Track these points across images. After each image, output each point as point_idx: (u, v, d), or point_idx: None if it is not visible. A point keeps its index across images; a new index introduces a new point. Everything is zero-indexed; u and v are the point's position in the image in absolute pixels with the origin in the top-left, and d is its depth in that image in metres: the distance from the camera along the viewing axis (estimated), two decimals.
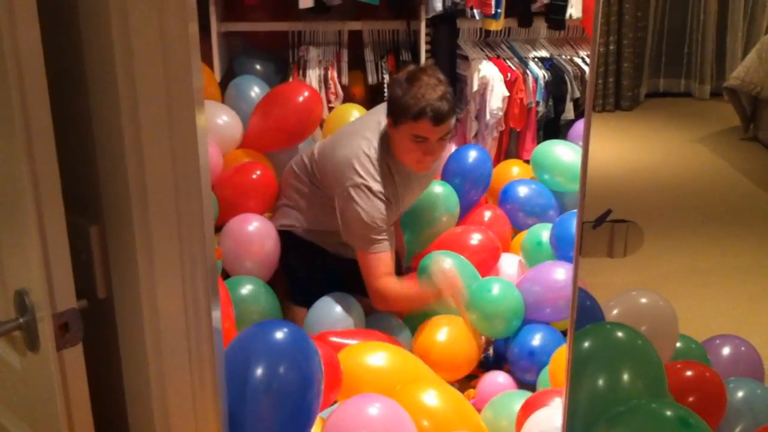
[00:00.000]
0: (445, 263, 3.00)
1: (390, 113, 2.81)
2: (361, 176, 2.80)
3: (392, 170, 2.88)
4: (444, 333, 2.89)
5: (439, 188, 3.48)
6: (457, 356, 2.89)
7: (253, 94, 3.89)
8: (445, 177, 3.67)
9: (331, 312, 2.89)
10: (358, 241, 2.85)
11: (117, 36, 1.37)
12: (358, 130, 2.95)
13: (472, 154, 3.75)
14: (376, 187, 2.80)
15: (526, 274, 3.15)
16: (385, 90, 4.15)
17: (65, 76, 1.46)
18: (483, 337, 3.02)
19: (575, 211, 3.31)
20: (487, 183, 3.75)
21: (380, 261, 2.83)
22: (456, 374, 2.89)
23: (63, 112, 1.41)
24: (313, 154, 3.07)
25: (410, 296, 2.94)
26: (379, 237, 2.81)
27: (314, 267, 3.13)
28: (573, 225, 3.11)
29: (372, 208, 2.79)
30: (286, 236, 3.12)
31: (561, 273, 3.01)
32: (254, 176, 3.34)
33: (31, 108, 1.28)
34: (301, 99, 3.57)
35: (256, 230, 3.10)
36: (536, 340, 2.94)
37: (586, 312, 2.28)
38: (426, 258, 3.11)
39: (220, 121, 3.56)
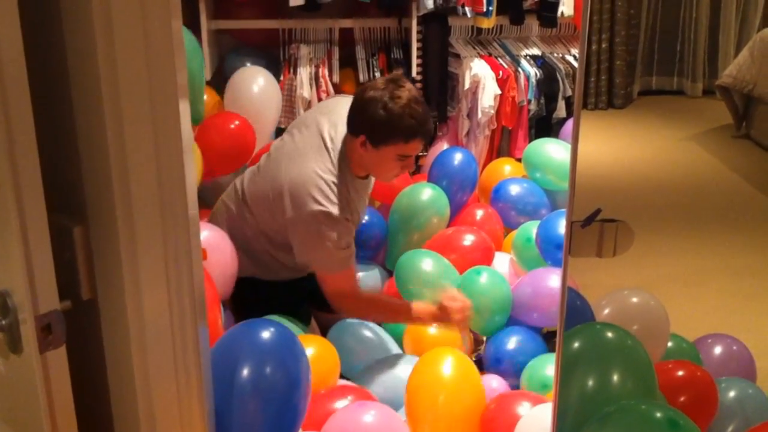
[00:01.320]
0: (454, 293, 2.81)
1: (368, 134, 2.61)
2: (318, 203, 2.61)
3: (349, 188, 2.72)
4: (434, 328, 2.87)
5: (428, 190, 3.46)
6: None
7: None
8: (432, 179, 3.67)
9: None
10: (321, 265, 2.72)
11: (100, 34, 1.36)
12: (301, 151, 2.74)
13: (458, 157, 3.75)
14: (336, 212, 2.62)
15: (520, 279, 3.11)
16: None
17: (47, 74, 1.45)
18: (472, 336, 3.02)
19: (561, 210, 3.34)
20: (474, 185, 3.75)
21: (347, 278, 2.73)
22: None
23: (45, 111, 1.40)
24: (243, 184, 2.90)
25: (386, 311, 2.85)
26: (348, 257, 2.70)
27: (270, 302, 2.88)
28: (558, 225, 3.12)
29: (335, 234, 2.63)
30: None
31: (555, 280, 2.98)
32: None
33: (12, 106, 1.26)
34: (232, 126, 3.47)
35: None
36: (511, 343, 2.93)
37: (576, 312, 2.27)
38: (405, 257, 3.08)
39: None
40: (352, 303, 2.76)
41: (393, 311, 2.83)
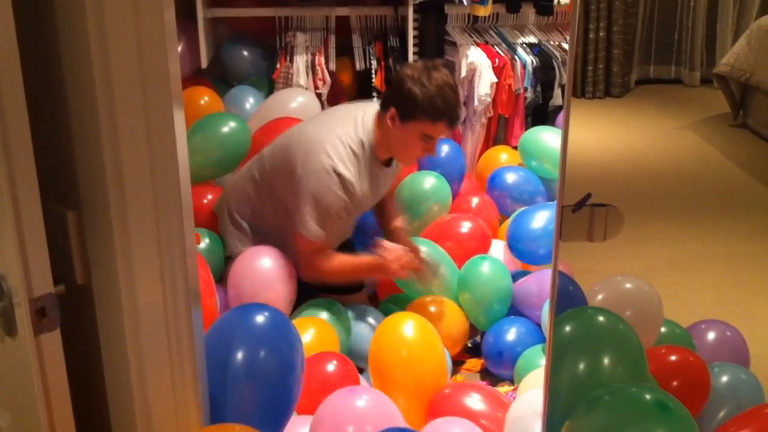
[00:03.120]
0: (385, 245, 2.85)
1: (399, 108, 2.72)
2: (331, 158, 2.69)
3: (367, 168, 2.79)
4: (433, 310, 2.91)
5: (431, 179, 3.46)
6: (445, 335, 2.84)
7: (248, 105, 3.90)
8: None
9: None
10: (307, 224, 2.72)
11: (92, 23, 1.37)
12: (330, 119, 2.87)
13: (444, 149, 3.77)
14: (346, 173, 2.70)
15: (526, 277, 3.12)
16: (373, 77, 4.14)
17: (40, 63, 1.45)
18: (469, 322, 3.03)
19: (529, 207, 3.36)
20: (462, 176, 3.77)
21: (326, 247, 2.78)
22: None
23: (38, 98, 1.40)
24: (263, 154, 2.98)
25: (351, 269, 2.87)
26: (334, 224, 2.73)
27: None
28: (527, 223, 3.18)
29: (335, 195, 2.69)
30: None
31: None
32: None
33: (5, 93, 1.27)
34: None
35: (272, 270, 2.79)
36: (511, 335, 2.94)
37: (568, 298, 2.29)
38: None
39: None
40: (317, 266, 2.79)
41: (357, 273, 2.93)
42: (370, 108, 2.87)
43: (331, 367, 2.37)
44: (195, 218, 2.95)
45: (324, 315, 2.74)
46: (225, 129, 3.31)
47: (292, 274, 2.79)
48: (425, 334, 2.49)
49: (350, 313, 2.86)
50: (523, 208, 3.41)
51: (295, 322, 2.59)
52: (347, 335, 2.78)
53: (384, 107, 2.79)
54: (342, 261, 2.82)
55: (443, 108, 2.69)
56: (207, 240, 2.94)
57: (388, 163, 2.90)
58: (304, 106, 3.77)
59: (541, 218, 3.18)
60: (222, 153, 3.29)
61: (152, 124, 1.46)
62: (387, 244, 2.83)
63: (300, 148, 2.76)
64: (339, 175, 2.69)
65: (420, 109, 2.70)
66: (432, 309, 2.91)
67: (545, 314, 2.85)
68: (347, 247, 3.00)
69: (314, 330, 2.54)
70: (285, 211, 2.83)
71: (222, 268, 2.98)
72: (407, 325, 2.47)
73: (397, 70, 4.13)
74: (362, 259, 2.85)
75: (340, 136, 2.74)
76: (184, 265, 1.57)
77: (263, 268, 2.75)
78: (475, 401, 2.32)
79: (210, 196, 3.24)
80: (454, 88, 2.75)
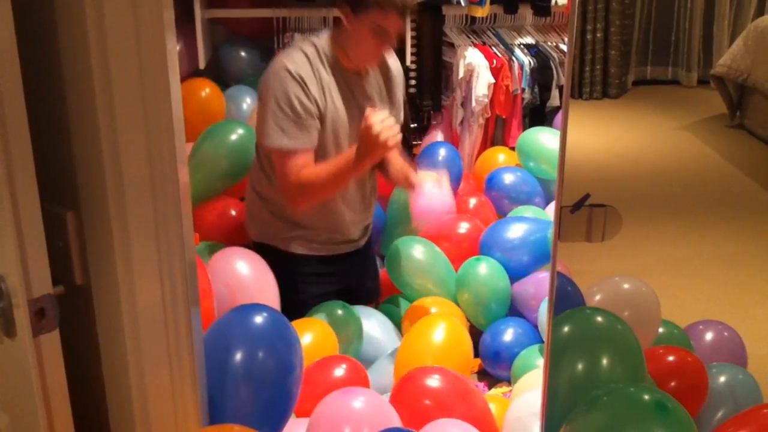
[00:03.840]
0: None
1: (350, 3, 2.63)
2: (281, 60, 2.63)
3: (335, 76, 2.70)
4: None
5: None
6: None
7: (245, 105, 3.91)
8: None
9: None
10: (272, 135, 2.61)
11: (91, 23, 1.37)
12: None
13: (442, 152, 3.78)
14: (293, 67, 2.60)
15: (524, 279, 3.13)
16: None
17: (39, 63, 1.45)
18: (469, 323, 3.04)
19: (505, 219, 3.37)
20: (459, 179, 3.76)
21: (297, 159, 2.62)
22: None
23: (37, 99, 1.40)
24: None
25: (329, 171, 2.63)
26: (297, 130, 2.62)
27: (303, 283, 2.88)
28: (500, 232, 3.20)
29: (288, 92, 2.60)
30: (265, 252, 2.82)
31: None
32: None
33: (4, 94, 1.27)
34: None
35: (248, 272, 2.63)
36: (507, 335, 2.94)
37: (567, 298, 2.29)
38: (396, 243, 3.08)
39: None
40: (297, 181, 2.63)
41: (336, 172, 2.64)
42: (321, 36, 2.79)
43: (340, 371, 2.35)
44: (217, 233, 3.07)
45: (336, 315, 2.70)
46: (233, 137, 3.30)
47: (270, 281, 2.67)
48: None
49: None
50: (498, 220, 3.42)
51: (294, 324, 2.59)
52: (359, 339, 2.75)
53: (339, 7, 2.71)
54: (318, 166, 2.66)
55: None
56: None
57: (361, 73, 2.80)
58: None
59: (518, 230, 3.21)
60: (230, 162, 3.28)
61: (151, 125, 1.46)
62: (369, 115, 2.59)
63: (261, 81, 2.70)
64: (288, 71, 2.61)
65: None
66: (433, 310, 2.90)
67: (542, 315, 2.85)
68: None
69: (313, 332, 2.53)
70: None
71: None
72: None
73: None
74: (340, 155, 2.68)
75: (295, 49, 2.69)
76: (183, 266, 1.57)
77: (240, 274, 2.60)
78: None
79: (234, 212, 3.21)
80: None
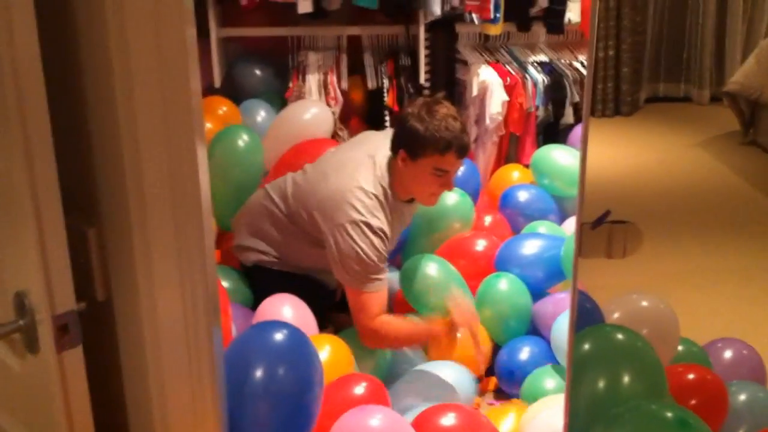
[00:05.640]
0: (457, 294, 2.90)
1: (407, 148, 2.72)
2: (359, 212, 2.69)
3: (390, 209, 2.78)
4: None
5: (454, 196, 3.40)
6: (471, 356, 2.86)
7: (259, 118, 3.94)
8: None
9: None
10: (353, 280, 2.72)
11: (114, 41, 1.38)
12: (348, 164, 2.85)
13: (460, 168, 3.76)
14: (376, 223, 2.69)
15: (545, 298, 3.12)
16: (385, 95, 4.15)
17: (63, 81, 1.47)
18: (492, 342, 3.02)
19: (520, 234, 3.37)
20: (477, 194, 3.74)
21: (375, 300, 2.72)
22: None
23: (61, 116, 1.41)
24: (287, 186, 2.97)
25: (411, 335, 2.85)
26: (377, 276, 2.71)
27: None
28: (516, 249, 3.20)
29: (371, 247, 2.68)
30: (259, 272, 3.02)
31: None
32: None
33: (29, 111, 1.28)
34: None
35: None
36: (523, 353, 2.93)
37: (586, 314, 2.28)
38: (411, 261, 3.08)
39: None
40: (375, 329, 2.74)
41: (414, 337, 2.88)
42: (384, 147, 2.85)
43: (360, 389, 2.34)
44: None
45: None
46: (240, 143, 3.40)
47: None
48: None
49: None
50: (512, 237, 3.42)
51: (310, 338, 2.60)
52: (385, 361, 2.80)
53: (394, 151, 2.79)
54: (399, 324, 2.81)
55: (449, 138, 2.67)
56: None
57: (410, 200, 2.90)
58: (317, 117, 3.81)
59: (533, 246, 3.21)
60: (240, 171, 3.34)
61: (173, 141, 1.47)
62: (458, 299, 2.87)
63: (327, 199, 2.76)
64: (370, 226, 2.68)
65: (426, 143, 2.68)
66: (459, 334, 2.89)
67: (555, 333, 2.84)
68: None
69: (329, 348, 2.53)
70: (313, 242, 2.87)
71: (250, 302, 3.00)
72: None
73: (408, 90, 4.15)
74: (420, 327, 2.88)
75: (362, 186, 2.73)
76: (204, 282, 1.57)
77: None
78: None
79: None
80: (457, 118, 2.73)
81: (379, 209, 2.72)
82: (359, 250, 2.67)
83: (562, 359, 2.75)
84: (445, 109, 2.72)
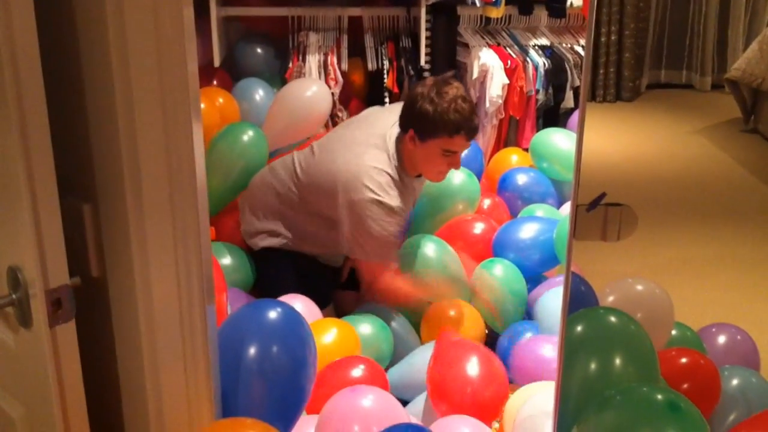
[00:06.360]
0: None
1: (416, 128, 2.74)
2: (373, 191, 2.71)
3: (402, 184, 2.82)
4: (452, 314, 2.90)
5: (460, 175, 3.40)
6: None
7: (257, 97, 3.93)
8: None
9: None
10: (370, 255, 2.81)
11: (111, 19, 1.38)
12: (358, 142, 2.85)
13: None
14: (391, 201, 2.72)
15: (541, 284, 3.12)
16: (385, 77, 4.14)
17: (59, 58, 1.46)
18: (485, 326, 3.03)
19: (516, 219, 3.36)
20: (480, 174, 3.74)
21: (387, 268, 2.85)
22: None
23: (57, 94, 1.41)
24: (295, 164, 2.96)
25: (408, 296, 2.92)
26: (391, 248, 2.78)
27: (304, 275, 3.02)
28: (513, 233, 3.19)
29: (387, 224, 2.72)
30: (266, 256, 3.03)
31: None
32: None
33: (25, 87, 1.28)
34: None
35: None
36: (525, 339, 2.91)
37: (580, 298, 2.28)
38: (410, 241, 3.08)
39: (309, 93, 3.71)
40: (388, 282, 2.85)
41: (408, 299, 2.94)
42: (392, 124, 2.87)
43: (358, 372, 2.36)
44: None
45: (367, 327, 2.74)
46: (245, 138, 3.38)
47: None
48: None
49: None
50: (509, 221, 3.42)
51: (318, 322, 2.63)
52: (390, 347, 2.79)
53: (403, 129, 2.80)
54: (400, 285, 2.89)
55: (458, 121, 2.68)
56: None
57: (419, 175, 2.93)
58: (317, 95, 3.80)
59: (530, 230, 3.20)
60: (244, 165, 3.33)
61: (169, 119, 1.47)
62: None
63: (339, 179, 2.77)
64: (384, 204, 2.71)
65: (435, 125, 2.69)
66: (451, 313, 2.90)
67: (540, 312, 2.85)
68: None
69: (336, 330, 2.55)
70: (326, 222, 2.89)
71: (251, 282, 3.02)
72: None
73: (408, 72, 4.14)
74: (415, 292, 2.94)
75: (374, 164, 2.74)
76: (199, 259, 1.57)
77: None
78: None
79: None
80: (467, 99, 2.73)
81: (392, 186, 2.74)
82: (377, 227, 2.71)
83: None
84: (455, 90, 2.72)
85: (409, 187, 2.88)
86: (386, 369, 2.64)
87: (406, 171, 2.84)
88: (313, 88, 3.80)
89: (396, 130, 2.85)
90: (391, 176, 2.75)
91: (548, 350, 2.53)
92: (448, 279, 2.93)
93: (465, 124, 2.70)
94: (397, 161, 2.80)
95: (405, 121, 2.79)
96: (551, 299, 2.84)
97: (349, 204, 2.73)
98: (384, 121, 2.93)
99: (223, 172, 3.30)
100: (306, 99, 3.73)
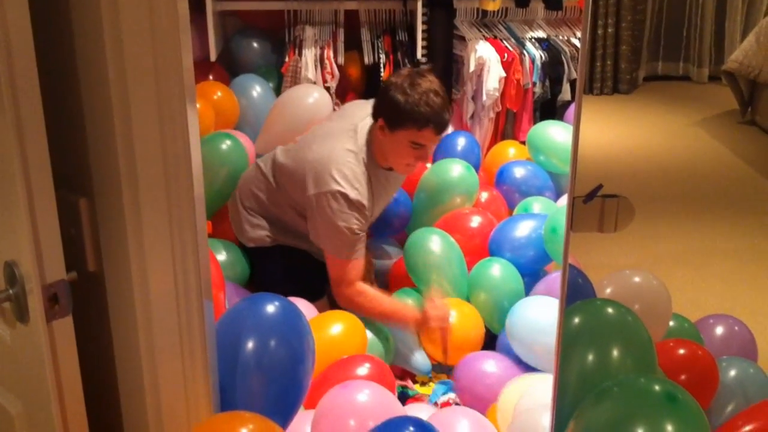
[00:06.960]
0: (436, 295, 2.89)
1: (386, 117, 2.73)
2: (338, 183, 2.69)
3: (371, 176, 2.79)
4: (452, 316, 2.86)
5: (458, 167, 3.41)
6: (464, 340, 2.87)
7: (255, 93, 3.92)
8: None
9: None
10: (330, 247, 2.76)
11: (106, 13, 1.37)
12: (332, 134, 2.85)
13: (461, 142, 3.78)
14: (354, 195, 2.69)
15: (537, 284, 3.09)
16: (382, 71, 4.13)
17: (54, 52, 1.46)
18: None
19: (512, 217, 3.35)
20: (477, 167, 3.74)
21: (351, 268, 2.75)
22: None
23: (52, 87, 1.41)
24: (276, 157, 2.97)
25: (384, 313, 2.80)
26: (354, 245, 2.73)
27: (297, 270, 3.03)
28: (509, 232, 3.17)
29: (349, 217, 2.69)
30: (258, 253, 3.03)
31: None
32: None
33: (20, 82, 1.28)
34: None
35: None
36: None
37: (578, 290, 2.28)
38: (415, 234, 3.08)
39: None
40: (350, 296, 2.76)
41: (385, 315, 2.82)
42: (368, 116, 2.86)
43: (363, 370, 2.36)
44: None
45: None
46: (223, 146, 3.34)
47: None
48: None
49: None
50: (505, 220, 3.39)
51: (325, 315, 2.65)
52: (388, 344, 2.80)
53: (374, 117, 2.79)
54: (375, 299, 2.79)
55: (428, 114, 2.66)
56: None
57: (390, 168, 2.89)
58: (318, 102, 3.75)
59: (525, 228, 3.18)
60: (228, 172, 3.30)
61: (165, 113, 1.47)
62: (436, 299, 2.85)
63: (308, 170, 2.76)
64: (347, 197, 2.69)
65: (404, 116, 2.68)
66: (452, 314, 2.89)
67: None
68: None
69: (342, 324, 2.56)
70: (301, 213, 2.88)
71: (246, 277, 3.02)
72: None
73: (405, 65, 4.13)
74: (395, 309, 2.85)
75: (342, 156, 2.73)
76: (196, 254, 1.57)
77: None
78: None
79: None
80: (439, 93, 2.70)
81: (359, 179, 2.72)
82: (337, 220, 2.68)
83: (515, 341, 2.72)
84: (428, 83, 2.70)
85: (381, 179, 2.86)
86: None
87: (376, 162, 2.82)
88: (314, 95, 3.79)
89: (369, 121, 2.84)
90: (358, 168, 2.74)
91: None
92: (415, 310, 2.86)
93: (434, 118, 2.68)
94: (366, 152, 2.79)
95: (376, 109, 2.79)
96: (524, 310, 2.76)
97: (314, 194, 2.73)
98: (359, 113, 2.93)
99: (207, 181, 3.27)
100: (307, 106, 3.71)
